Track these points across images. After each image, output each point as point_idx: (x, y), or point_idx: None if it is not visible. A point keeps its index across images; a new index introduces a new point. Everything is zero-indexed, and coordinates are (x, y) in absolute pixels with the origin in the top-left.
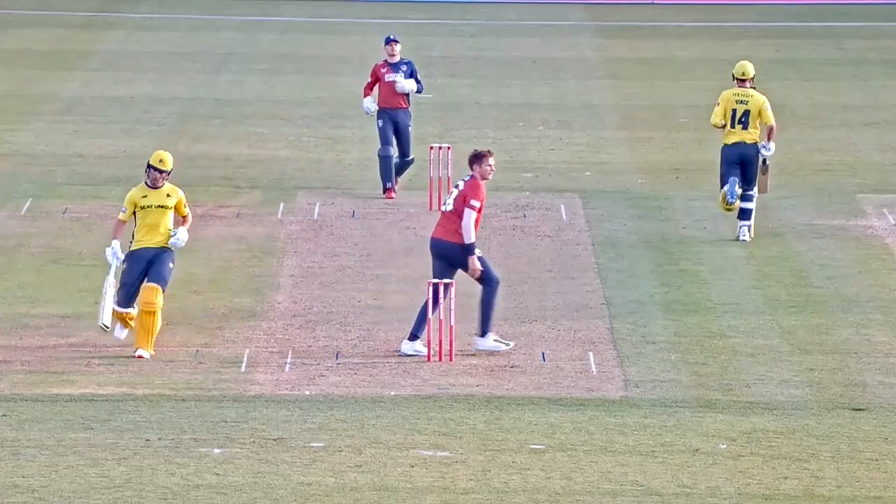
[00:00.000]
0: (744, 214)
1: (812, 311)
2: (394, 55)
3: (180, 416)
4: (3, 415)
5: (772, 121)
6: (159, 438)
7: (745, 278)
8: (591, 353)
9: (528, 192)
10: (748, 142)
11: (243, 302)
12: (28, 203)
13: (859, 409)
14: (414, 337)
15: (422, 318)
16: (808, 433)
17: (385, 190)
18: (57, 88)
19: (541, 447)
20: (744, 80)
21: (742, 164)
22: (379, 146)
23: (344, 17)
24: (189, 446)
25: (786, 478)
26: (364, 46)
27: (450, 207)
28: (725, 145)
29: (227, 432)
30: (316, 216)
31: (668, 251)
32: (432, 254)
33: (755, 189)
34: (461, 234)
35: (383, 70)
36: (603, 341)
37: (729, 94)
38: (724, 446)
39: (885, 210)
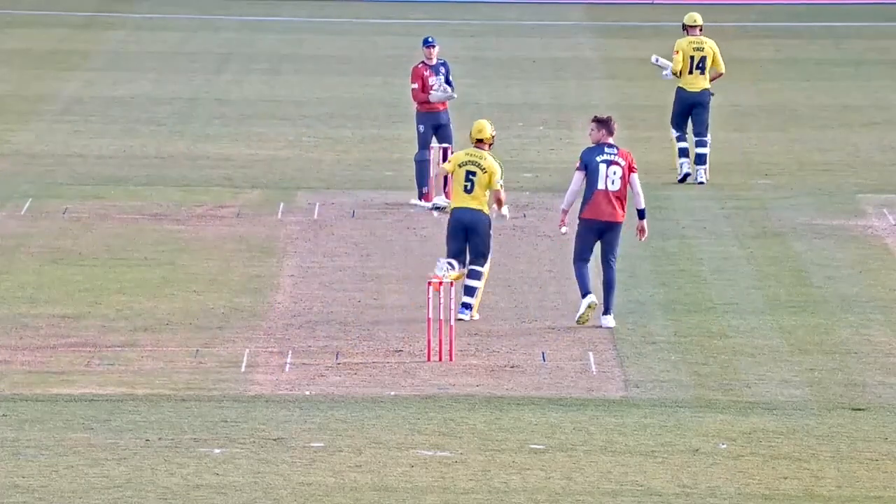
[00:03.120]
0: (700, 159)
1: (812, 311)
2: (431, 58)
3: (180, 416)
4: (3, 415)
5: (723, 68)
6: (159, 438)
7: (745, 278)
8: (591, 353)
9: (528, 192)
10: (703, 88)
11: (243, 302)
12: (28, 203)
13: (859, 409)
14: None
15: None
16: (808, 433)
17: (422, 195)
18: (57, 88)
19: (541, 447)
20: (694, 27)
21: (697, 108)
22: (416, 150)
23: (344, 17)
24: (189, 446)
25: (786, 478)
26: (364, 46)
27: (617, 187)
28: (684, 90)
29: (227, 432)
30: (316, 216)
31: (668, 251)
32: (594, 233)
33: (708, 133)
34: (623, 211)
35: (426, 73)
36: (603, 341)
37: (685, 43)
38: (724, 446)
39: (885, 210)
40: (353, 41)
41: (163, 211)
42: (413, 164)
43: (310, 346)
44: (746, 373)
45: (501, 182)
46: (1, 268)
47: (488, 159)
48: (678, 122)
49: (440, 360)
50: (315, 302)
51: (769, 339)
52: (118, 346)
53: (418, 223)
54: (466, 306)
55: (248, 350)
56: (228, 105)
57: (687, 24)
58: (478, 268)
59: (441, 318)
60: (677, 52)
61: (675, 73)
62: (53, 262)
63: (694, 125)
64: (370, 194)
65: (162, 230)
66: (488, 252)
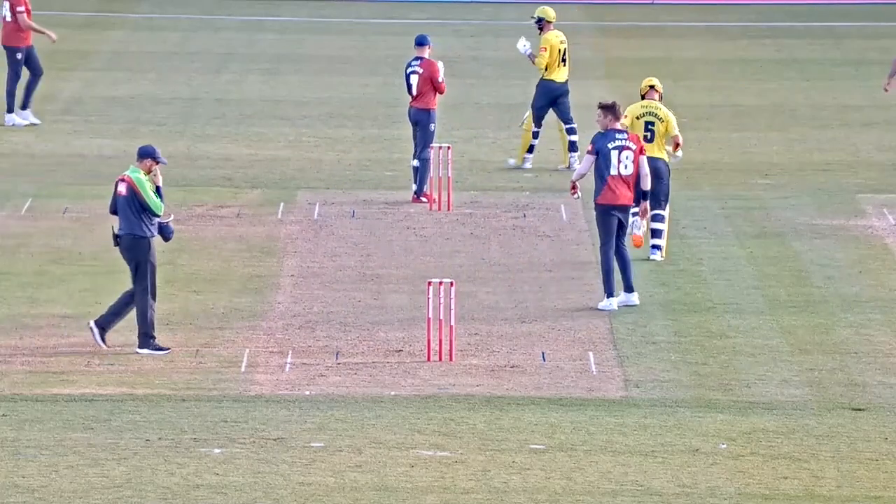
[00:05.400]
0: (573, 146)
1: (812, 311)
2: None
3: (180, 416)
4: (3, 415)
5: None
6: (159, 438)
7: (745, 278)
8: (591, 353)
9: (527, 192)
10: (567, 79)
11: (243, 302)
12: (28, 203)
13: (859, 409)
14: (610, 294)
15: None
16: (808, 433)
17: (424, 195)
18: (57, 88)
19: (541, 447)
20: (551, 23)
21: (564, 97)
22: (423, 149)
23: (344, 17)
24: (189, 446)
25: (786, 478)
26: (364, 46)
27: (630, 171)
28: (554, 82)
29: (227, 432)
30: (316, 216)
31: (668, 251)
32: (613, 217)
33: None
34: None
35: None
36: (603, 341)
37: (554, 39)
38: (724, 446)
39: (885, 210)
40: (353, 41)
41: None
42: (412, 165)
43: (310, 346)
44: (746, 373)
45: (677, 127)
46: (1, 268)
47: (663, 109)
48: (542, 116)
49: (440, 360)
50: (315, 302)
51: (769, 339)
52: (118, 346)
53: (418, 223)
54: (656, 247)
55: (248, 350)
56: (228, 105)
57: (548, 19)
58: (661, 212)
59: (441, 317)
60: (545, 48)
61: (540, 67)
62: (53, 262)
63: (562, 113)
64: (370, 194)
65: None
66: (668, 196)
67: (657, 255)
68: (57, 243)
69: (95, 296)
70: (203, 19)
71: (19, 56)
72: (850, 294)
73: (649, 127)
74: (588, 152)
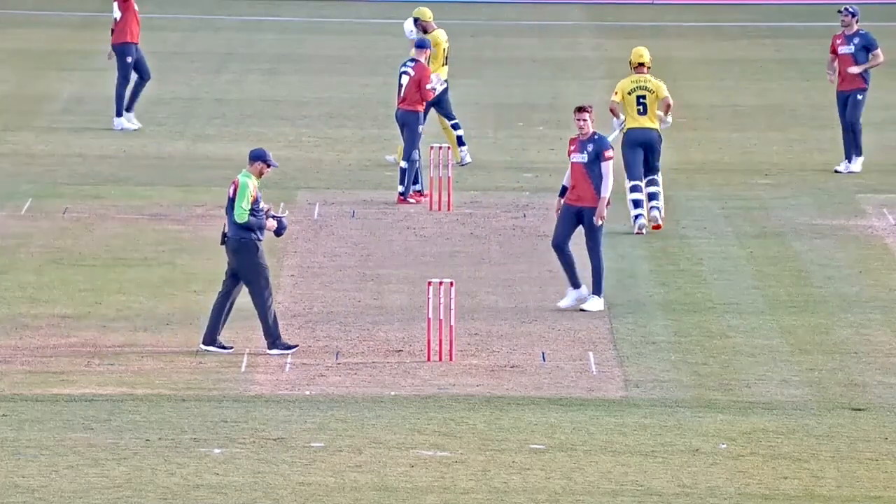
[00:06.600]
0: (461, 140)
1: (812, 311)
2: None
3: (180, 416)
4: (3, 415)
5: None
6: (159, 438)
7: (745, 278)
8: (591, 353)
9: (528, 192)
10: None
11: (243, 302)
12: (28, 203)
13: (859, 409)
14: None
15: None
16: (808, 433)
17: (411, 195)
18: (57, 88)
19: (541, 447)
20: (430, 22)
21: (444, 96)
22: (410, 151)
23: (344, 17)
24: (189, 446)
25: (786, 478)
26: (364, 46)
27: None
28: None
29: (227, 432)
30: (316, 216)
31: (668, 251)
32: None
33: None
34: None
35: None
36: (603, 341)
37: (441, 37)
38: (724, 446)
39: (885, 210)
40: (353, 41)
41: (163, 211)
42: (401, 167)
43: (310, 346)
44: (746, 373)
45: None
46: (1, 268)
47: (652, 80)
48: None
49: (440, 360)
50: (315, 302)
51: (769, 339)
52: (118, 346)
53: (418, 223)
54: (656, 208)
55: (248, 350)
56: (228, 105)
57: (424, 19)
58: (655, 177)
59: (441, 317)
60: (439, 45)
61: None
62: (53, 262)
63: (446, 111)
64: (370, 194)
65: (162, 230)
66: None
67: (657, 216)
68: (57, 243)
69: (95, 296)
70: (203, 19)
71: (129, 59)
72: (850, 294)
73: (641, 101)
74: (610, 157)
